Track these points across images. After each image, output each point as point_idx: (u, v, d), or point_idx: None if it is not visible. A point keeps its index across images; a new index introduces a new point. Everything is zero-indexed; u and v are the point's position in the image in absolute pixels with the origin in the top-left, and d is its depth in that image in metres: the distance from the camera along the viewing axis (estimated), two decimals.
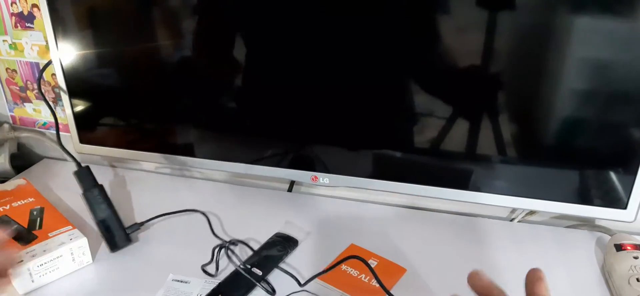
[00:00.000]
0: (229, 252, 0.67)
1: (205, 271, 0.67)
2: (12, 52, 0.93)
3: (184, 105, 0.78)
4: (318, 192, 0.88)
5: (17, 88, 0.97)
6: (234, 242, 0.68)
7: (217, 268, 0.67)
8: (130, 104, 0.81)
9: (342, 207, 0.83)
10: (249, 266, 0.66)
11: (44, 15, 0.76)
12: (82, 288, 0.65)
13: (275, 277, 0.66)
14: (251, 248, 0.67)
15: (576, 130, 0.63)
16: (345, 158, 0.73)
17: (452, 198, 0.70)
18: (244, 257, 0.69)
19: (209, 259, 0.69)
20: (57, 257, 0.65)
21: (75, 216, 0.80)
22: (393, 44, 0.64)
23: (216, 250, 0.67)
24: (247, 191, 0.88)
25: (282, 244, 0.72)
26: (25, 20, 0.89)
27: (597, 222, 0.77)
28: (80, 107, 0.82)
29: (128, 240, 0.72)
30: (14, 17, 0.89)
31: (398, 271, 0.67)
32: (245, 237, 0.74)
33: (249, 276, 0.64)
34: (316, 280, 0.65)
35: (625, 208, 0.64)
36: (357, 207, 0.83)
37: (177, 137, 0.80)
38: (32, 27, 0.89)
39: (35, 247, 0.65)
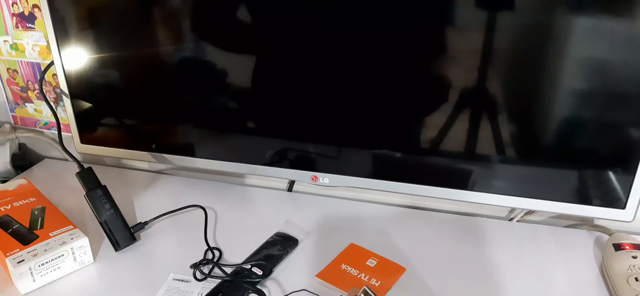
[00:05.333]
0: (200, 271, 0.66)
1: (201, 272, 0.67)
2: (13, 52, 0.93)
3: (185, 105, 0.78)
4: (318, 192, 0.88)
5: (18, 88, 0.97)
6: (205, 262, 0.68)
7: (197, 279, 0.66)
8: (131, 104, 0.81)
9: (342, 206, 0.83)
10: (250, 266, 0.66)
11: (44, 16, 0.76)
12: (83, 287, 0.65)
13: (275, 276, 0.66)
14: (222, 269, 0.66)
15: (575, 130, 0.63)
16: (346, 158, 0.73)
17: (451, 198, 0.70)
18: (239, 260, 0.70)
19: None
20: (59, 256, 0.65)
21: (77, 215, 0.80)
22: (392, 44, 0.65)
23: (193, 269, 0.67)
24: (247, 191, 0.89)
25: (282, 243, 0.72)
26: (26, 20, 0.89)
27: (596, 222, 0.77)
28: (81, 107, 0.82)
29: (133, 239, 0.73)
30: (14, 18, 0.90)
31: (397, 270, 0.67)
32: (242, 238, 0.74)
33: (249, 276, 0.65)
34: (316, 279, 0.66)
35: (624, 208, 0.64)
36: (357, 207, 0.83)
37: (178, 137, 0.81)
38: (33, 28, 0.89)
39: (36, 247, 0.65)
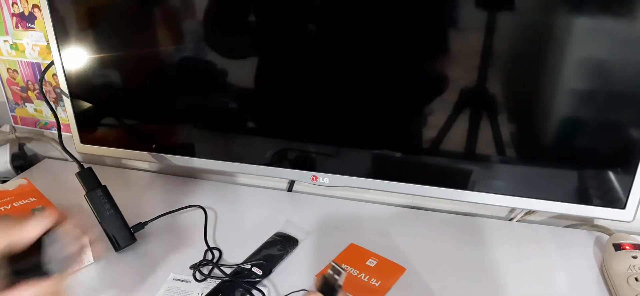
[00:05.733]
0: (200, 272, 0.67)
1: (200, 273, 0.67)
2: (13, 52, 0.93)
3: (185, 105, 0.78)
4: (318, 192, 0.88)
5: (18, 88, 0.97)
6: (205, 262, 0.68)
7: (197, 279, 0.66)
8: (131, 104, 0.81)
9: (342, 206, 0.83)
10: (250, 266, 0.66)
11: (44, 16, 0.76)
12: (83, 287, 0.65)
13: (275, 276, 0.66)
14: (221, 270, 0.66)
15: (575, 130, 0.63)
16: (346, 158, 0.73)
17: (451, 198, 0.70)
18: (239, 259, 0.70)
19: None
20: None
21: (77, 215, 0.80)
22: (393, 44, 0.65)
23: (193, 269, 0.67)
24: (247, 191, 0.89)
25: (282, 243, 0.72)
26: (26, 20, 0.89)
27: (596, 222, 0.77)
28: (81, 107, 0.82)
29: (133, 239, 0.73)
30: (15, 18, 0.90)
31: (397, 270, 0.67)
32: (242, 238, 0.74)
33: (249, 276, 0.65)
34: (316, 279, 0.66)
35: (624, 208, 0.64)
36: (357, 207, 0.83)
37: (178, 137, 0.81)
38: (33, 28, 0.89)
39: None
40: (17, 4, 0.88)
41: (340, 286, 0.41)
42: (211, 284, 0.64)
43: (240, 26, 0.70)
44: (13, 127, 1.02)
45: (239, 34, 0.71)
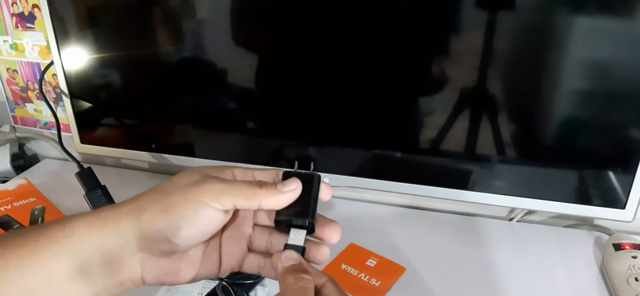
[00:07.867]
0: None
1: None
2: (13, 52, 0.93)
3: (185, 105, 0.78)
4: None
5: (18, 88, 0.97)
6: None
7: None
8: (131, 104, 0.81)
9: (342, 207, 0.83)
10: None
11: (44, 16, 0.76)
12: None
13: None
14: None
15: (575, 130, 0.63)
16: (346, 158, 0.73)
17: (451, 198, 0.70)
18: None
19: None
20: None
21: None
22: (392, 44, 0.65)
23: None
24: None
25: None
26: (26, 20, 0.89)
27: (596, 222, 0.77)
28: (81, 107, 0.82)
29: None
30: (14, 18, 0.90)
31: (398, 270, 0.67)
32: None
33: (248, 276, 0.65)
34: None
35: (623, 208, 0.64)
36: (357, 207, 0.83)
37: (178, 137, 0.81)
38: (33, 28, 0.89)
39: None
40: (16, 4, 0.88)
41: (303, 248, 0.40)
42: (211, 284, 0.64)
43: (240, 26, 0.70)
44: (13, 127, 1.02)
45: (242, 34, 0.71)
